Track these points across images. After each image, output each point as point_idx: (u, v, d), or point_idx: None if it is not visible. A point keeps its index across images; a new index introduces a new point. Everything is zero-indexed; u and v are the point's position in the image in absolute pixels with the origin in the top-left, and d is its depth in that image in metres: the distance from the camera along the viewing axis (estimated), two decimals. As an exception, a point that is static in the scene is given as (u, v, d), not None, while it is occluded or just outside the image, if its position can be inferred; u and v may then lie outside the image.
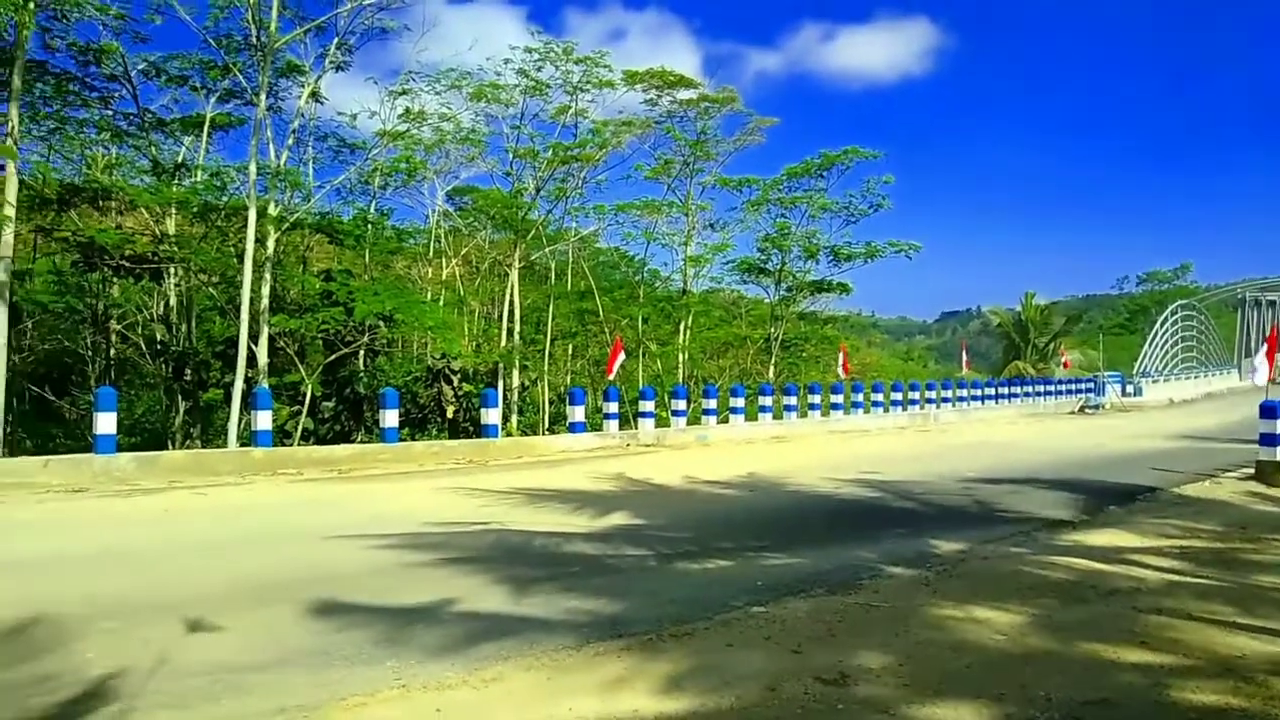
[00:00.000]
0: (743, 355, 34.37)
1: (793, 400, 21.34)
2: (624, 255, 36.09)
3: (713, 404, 19.41)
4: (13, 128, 13.69)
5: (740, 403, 19.97)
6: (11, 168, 13.60)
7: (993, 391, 29.73)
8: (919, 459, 15.11)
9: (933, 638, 4.74)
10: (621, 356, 20.78)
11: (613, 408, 17.55)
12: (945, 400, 26.64)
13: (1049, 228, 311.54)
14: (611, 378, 20.23)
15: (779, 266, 30.05)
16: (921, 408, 25.33)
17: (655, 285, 32.92)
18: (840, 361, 23.85)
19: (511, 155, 25.31)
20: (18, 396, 20.13)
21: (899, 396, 24.65)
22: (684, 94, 27.28)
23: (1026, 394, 31.22)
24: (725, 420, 20.57)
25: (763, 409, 20.60)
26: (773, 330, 31.05)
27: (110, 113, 19.30)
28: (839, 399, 22.20)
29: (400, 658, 4.43)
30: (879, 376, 37.83)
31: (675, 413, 18.83)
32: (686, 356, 31.00)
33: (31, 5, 13.14)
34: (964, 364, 30.64)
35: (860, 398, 23.42)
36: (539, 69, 23.91)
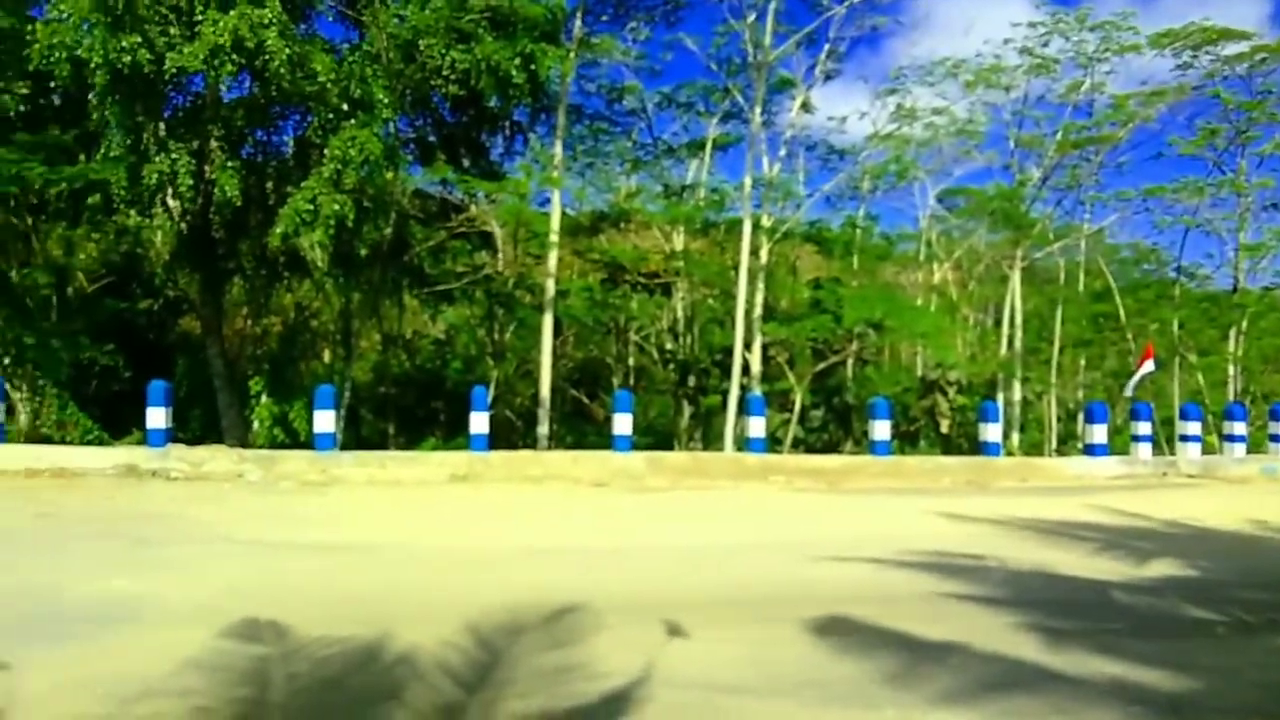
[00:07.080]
0: (1322, 368, 27.18)
1: None
2: (1147, 250, 30.99)
3: (1283, 428, 15.33)
4: (557, 163, 16.04)
5: (1328, 427, 15.46)
6: (556, 199, 15.96)
7: None
8: None
9: None
10: (1146, 367, 17.44)
11: (1143, 429, 14.73)
12: None
13: None
14: (1129, 394, 17.08)
15: (1384, 251, 23.17)
16: None
17: (1190, 283, 27.59)
18: None
19: (1013, 144, 23.32)
20: (560, 398, 23.74)
21: None
22: (1231, 49, 22.41)
23: None
24: (1304, 449, 16.14)
25: (1363, 437, 15.76)
26: (1369, 335, 24.04)
27: (631, 144, 21.92)
28: None
29: (902, 705, 3.78)
30: None
31: (1229, 437, 15.17)
32: (1240, 369, 25.38)
33: (572, 55, 15.26)
34: None
35: None
36: (1045, 44, 21.56)
